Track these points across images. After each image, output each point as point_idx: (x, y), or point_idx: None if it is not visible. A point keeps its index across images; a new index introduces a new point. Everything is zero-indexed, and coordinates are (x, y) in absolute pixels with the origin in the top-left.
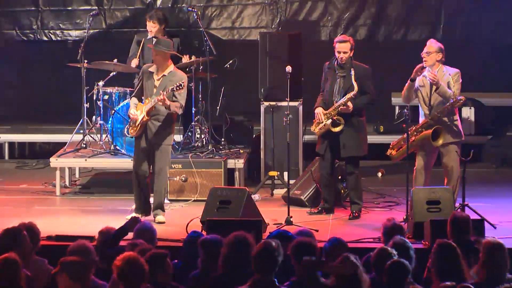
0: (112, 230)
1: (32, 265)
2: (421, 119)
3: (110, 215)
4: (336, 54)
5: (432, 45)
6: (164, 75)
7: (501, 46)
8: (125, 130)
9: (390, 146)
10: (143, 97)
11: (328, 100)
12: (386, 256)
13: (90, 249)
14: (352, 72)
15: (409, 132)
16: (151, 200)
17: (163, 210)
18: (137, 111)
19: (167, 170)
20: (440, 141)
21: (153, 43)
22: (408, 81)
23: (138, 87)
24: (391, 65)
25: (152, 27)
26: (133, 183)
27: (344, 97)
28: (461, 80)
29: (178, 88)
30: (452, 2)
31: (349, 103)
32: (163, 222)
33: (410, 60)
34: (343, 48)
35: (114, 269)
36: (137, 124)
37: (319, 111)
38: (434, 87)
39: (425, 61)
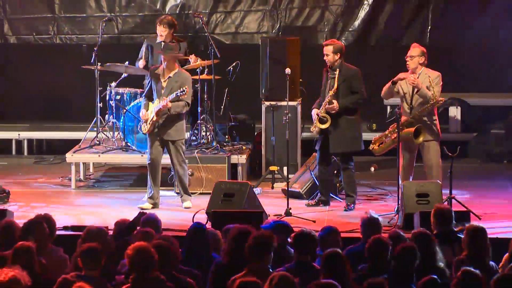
0: (127, 222)
1: (48, 253)
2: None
3: (122, 206)
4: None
5: (415, 49)
6: (169, 77)
7: (484, 50)
8: (138, 126)
9: (372, 141)
10: (153, 97)
11: (321, 100)
12: (383, 245)
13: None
14: (336, 73)
15: (391, 129)
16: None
17: (190, 195)
18: (148, 111)
19: (185, 160)
20: (421, 139)
21: (162, 48)
22: (389, 83)
23: (148, 88)
24: (383, 67)
25: (162, 31)
26: (149, 175)
27: (326, 98)
28: (441, 83)
29: (181, 93)
30: (439, 8)
31: (334, 102)
32: (190, 207)
33: (400, 62)
34: (325, 50)
35: (126, 258)
36: (148, 123)
37: (314, 112)
38: (415, 89)
39: (408, 64)
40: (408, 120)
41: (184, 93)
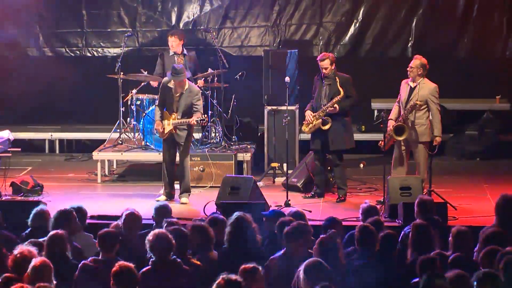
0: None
1: (81, 239)
2: (393, 114)
3: (142, 198)
4: (321, 69)
5: (415, 61)
6: (182, 93)
7: (460, 60)
8: (154, 131)
9: (382, 139)
10: (165, 107)
11: (316, 104)
12: (368, 232)
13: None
14: (337, 80)
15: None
16: (176, 186)
17: (188, 193)
18: (164, 121)
19: (189, 161)
20: (402, 137)
21: (172, 73)
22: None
23: (161, 99)
24: (371, 76)
25: (173, 42)
26: (163, 173)
27: (332, 100)
28: (438, 95)
29: (201, 121)
30: (420, 23)
31: (336, 105)
32: (186, 203)
33: (386, 71)
34: (324, 64)
35: (146, 244)
36: (165, 133)
37: (308, 113)
38: (413, 103)
39: (409, 74)
40: (399, 121)
41: (204, 121)
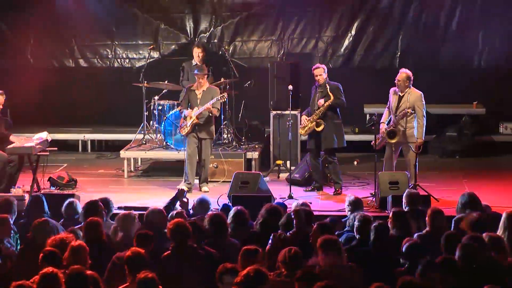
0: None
1: (107, 227)
2: (384, 118)
3: (163, 191)
4: (315, 78)
5: (401, 74)
6: (203, 90)
7: (440, 70)
8: (178, 130)
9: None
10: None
11: (310, 109)
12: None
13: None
14: (328, 87)
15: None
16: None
17: (207, 183)
18: (187, 118)
19: (210, 155)
20: (394, 140)
21: (196, 70)
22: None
23: (184, 101)
24: (363, 84)
25: (199, 53)
26: (187, 165)
27: (324, 105)
28: (423, 102)
29: (222, 97)
30: (406, 37)
31: (326, 104)
32: (208, 191)
33: (376, 80)
34: (318, 72)
35: (167, 231)
36: (188, 125)
37: (303, 117)
38: (405, 111)
39: (397, 87)
40: (392, 126)
41: (224, 97)
